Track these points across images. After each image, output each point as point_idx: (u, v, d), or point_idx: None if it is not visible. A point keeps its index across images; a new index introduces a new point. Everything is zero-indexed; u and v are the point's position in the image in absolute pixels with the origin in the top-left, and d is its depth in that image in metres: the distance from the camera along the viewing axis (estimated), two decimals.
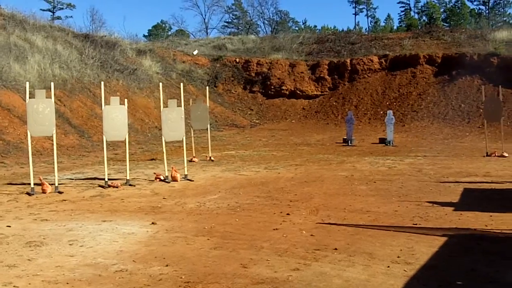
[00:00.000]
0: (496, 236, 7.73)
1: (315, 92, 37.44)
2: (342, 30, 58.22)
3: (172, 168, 14.06)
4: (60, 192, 12.05)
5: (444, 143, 24.84)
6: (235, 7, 76.77)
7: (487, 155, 18.80)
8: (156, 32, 74.43)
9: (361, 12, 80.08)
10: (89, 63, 29.50)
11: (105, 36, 36.17)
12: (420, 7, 78.89)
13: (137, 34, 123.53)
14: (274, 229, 8.22)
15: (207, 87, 23.47)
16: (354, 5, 78.46)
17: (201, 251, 7.04)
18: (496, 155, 18.67)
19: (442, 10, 75.80)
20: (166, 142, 14.67)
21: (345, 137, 25.00)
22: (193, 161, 17.83)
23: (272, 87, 38.16)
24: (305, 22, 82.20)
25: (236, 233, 8.01)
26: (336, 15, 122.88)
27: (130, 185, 13.08)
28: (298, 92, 37.60)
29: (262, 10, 76.10)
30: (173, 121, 14.23)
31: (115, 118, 13.27)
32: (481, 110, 24.48)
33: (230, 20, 77.93)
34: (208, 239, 7.67)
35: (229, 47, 43.79)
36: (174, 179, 13.66)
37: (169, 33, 70.25)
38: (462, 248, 7.09)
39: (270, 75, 38.58)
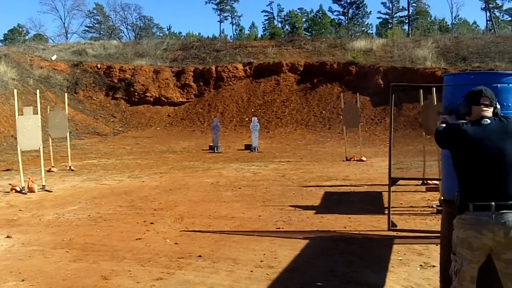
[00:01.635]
0: (354, 237, 8.00)
1: (181, 99, 37.23)
2: (207, 37, 58.56)
3: (29, 178, 13.43)
4: None
5: (307, 148, 25.52)
6: (97, 12, 74.84)
7: (346, 160, 19.50)
8: (12, 36, 70.92)
9: (226, 19, 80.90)
10: None
11: None
12: (283, 16, 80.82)
13: None
14: (137, 239, 8.03)
15: (66, 94, 22.67)
16: (219, 12, 79.03)
17: (59, 264, 6.74)
18: (355, 159, 19.42)
19: (304, 19, 77.95)
20: (22, 152, 13.97)
21: (211, 144, 25.02)
22: (52, 171, 17.11)
23: (136, 93, 37.55)
24: (170, 29, 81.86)
25: (97, 245, 7.75)
26: (201, 22, 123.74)
27: None
28: (163, 99, 37.24)
29: (125, 15, 75.21)
30: (29, 130, 13.58)
31: None
32: (341, 117, 25.34)
33: (91, 25, 75.96)
34: (67, 252, 7.36)
35: (90, 53, 42.51)
36: (31, 190, 13.03)
37: (26, 37, 67.10)
38: (322, 250, 7.28)
39: (134, 82, 37.95)
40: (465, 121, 3.89)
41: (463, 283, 3.77)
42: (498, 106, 3.88)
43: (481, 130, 3.74)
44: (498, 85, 4.19)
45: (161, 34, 72.49)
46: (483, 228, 3.61)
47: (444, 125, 4.08)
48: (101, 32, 73.18)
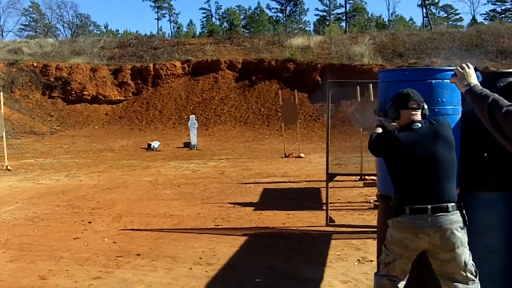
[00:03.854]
0: (292, 233, 8.10)
1: (118, 97, 36.76)
2: (145, 34, 57.66)
3: None
4: None
5: (246, 145, 25.64)
6: (32, 10, 73.08)
7: (285, 156, 19.68)
8: None
9: (164, 17, 79.90)
10: None
11: None
12: (221, 14, 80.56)
13: None
14: (74, 238, 7.97)
15: (2, 93, 22.11)
16: (156, 10, 78.09)
17: None
18: (294, 156, 19.61)
19: (242, 17, 77.91)
20: None
21: (150, 142, 24.86)
22: None
23: (73, 92, 36.85)
24: (107, 26, 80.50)
25: (35, 244, 7.66)
26: (139, 19, 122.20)
27: None
28: (101, 97, 36.70)
29: (61, 13, 73.42)
30: None
31: None
32: (279, 114, 25.50)
33: (27, 23, 74.16)
34: (4, 252, 7.27)
35: (26, 51, 41.49)
36: None
37: None
38: (261, 246, 7.35)
39: (71, 80, 37.24)
40: (397, 126, 3.95)
41: (392, 273, 3.85)
42: (426, 107, 3.94)
43: (413, 135, 3.76)
44: (433, 81, 4.23)
45: (98, 32, 71.14)
46: (419, 232, 3.66)
47: (379, 130, 4.10)
48: (37, 30, 71.45)
